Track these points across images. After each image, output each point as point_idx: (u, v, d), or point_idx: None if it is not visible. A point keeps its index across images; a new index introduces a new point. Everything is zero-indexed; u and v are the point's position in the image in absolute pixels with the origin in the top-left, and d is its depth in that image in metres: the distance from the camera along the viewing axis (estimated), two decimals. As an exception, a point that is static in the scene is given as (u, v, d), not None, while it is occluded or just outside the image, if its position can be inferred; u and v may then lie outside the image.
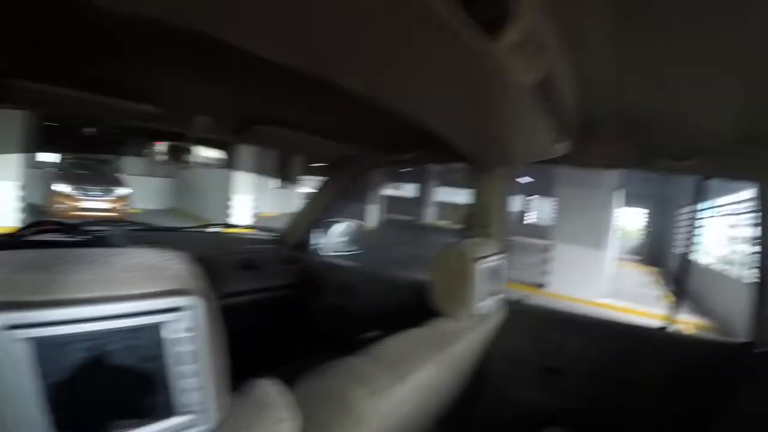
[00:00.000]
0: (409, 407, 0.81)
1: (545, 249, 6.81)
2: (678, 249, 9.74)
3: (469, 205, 1.39)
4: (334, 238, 1.92)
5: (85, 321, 0.33)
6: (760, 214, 1.09)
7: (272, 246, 1.92)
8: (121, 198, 8.26)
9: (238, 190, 9.39)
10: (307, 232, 1.92)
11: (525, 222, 17.29)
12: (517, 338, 1.37)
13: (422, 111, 0.89)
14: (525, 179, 16.83)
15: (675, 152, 1.10)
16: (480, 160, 1.32)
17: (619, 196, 6.71)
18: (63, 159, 8.87)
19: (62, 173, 8.19)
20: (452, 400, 1.21)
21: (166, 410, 0.37)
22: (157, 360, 0.36)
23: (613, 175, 6.22)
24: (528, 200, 18.12)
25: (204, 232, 2.00)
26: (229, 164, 7.75)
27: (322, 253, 1.91)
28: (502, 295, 1.24)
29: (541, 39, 0.60)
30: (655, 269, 11.01)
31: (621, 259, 9.85)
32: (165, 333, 0.37)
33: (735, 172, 1.16)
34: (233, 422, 0.44)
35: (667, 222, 11.50)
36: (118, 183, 8.55)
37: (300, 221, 1.93)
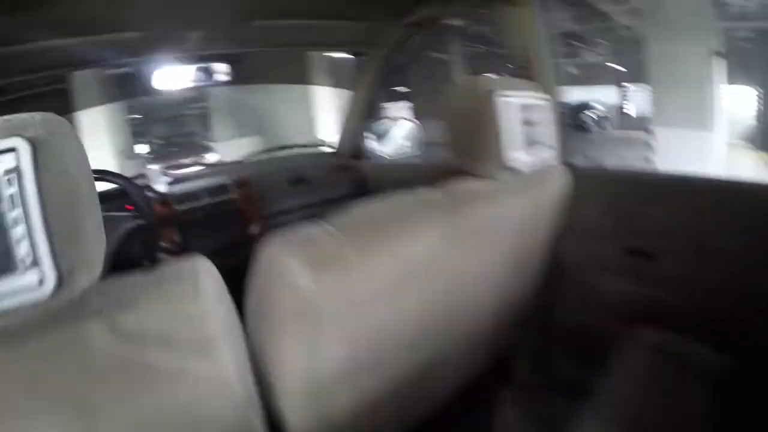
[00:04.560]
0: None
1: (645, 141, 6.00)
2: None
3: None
4: (387, 139, 1.84)
5: None
6: None
7: (326, 158, 1.90)
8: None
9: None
10: (359, 138, 1.85)
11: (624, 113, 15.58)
12: (592, 212, 1.08)
13: None
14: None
15: None
16: None
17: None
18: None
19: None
20: (510, 291, 0.98)
21: None
22: None
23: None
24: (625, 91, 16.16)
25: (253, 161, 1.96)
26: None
27: (378, 158, 1.84)
28: (553, 153, 0.92)
29: None
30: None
31: (732, 145, 8.47)
32: None
33: None
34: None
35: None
36: (207, 150, 9.42)
37: (349, 127, 1.86)
